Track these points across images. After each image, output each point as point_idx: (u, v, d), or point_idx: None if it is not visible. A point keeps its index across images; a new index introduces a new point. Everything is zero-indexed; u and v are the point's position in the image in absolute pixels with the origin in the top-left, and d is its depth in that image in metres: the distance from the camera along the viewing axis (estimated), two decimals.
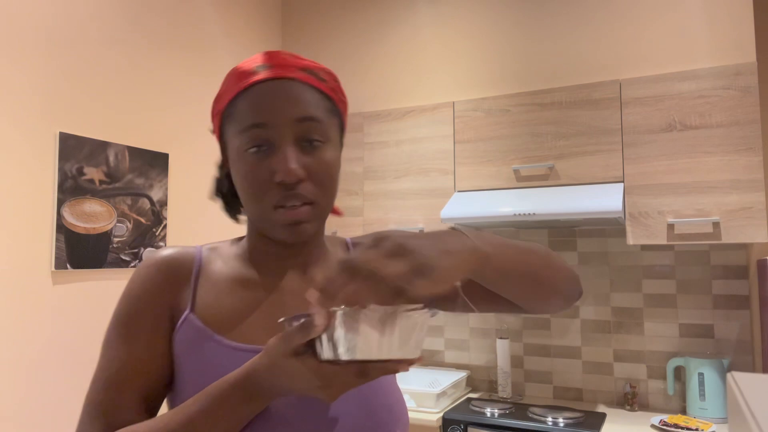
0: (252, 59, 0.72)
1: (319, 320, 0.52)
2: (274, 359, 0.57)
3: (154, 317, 0.70)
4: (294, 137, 0.69)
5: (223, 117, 0.73)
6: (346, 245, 0.87)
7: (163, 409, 1.88)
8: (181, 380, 0.69)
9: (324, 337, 0.54)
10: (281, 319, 0.60)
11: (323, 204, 0.71)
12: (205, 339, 0.68)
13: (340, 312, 0.52)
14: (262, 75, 0.70)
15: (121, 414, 0.67)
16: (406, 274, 0.51)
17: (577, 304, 2.46)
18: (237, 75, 0.71)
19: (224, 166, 0.79)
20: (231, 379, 0.60)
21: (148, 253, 0.74)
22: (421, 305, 0.55)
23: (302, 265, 0.77)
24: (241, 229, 2.69)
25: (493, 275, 0.63)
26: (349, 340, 0.52)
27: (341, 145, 0.78)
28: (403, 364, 0.54)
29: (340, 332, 0.52)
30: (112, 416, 0.66)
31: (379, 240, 0.53)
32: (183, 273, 0.73)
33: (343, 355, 0.52)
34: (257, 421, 0.64)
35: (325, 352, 0.54)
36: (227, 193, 0.81)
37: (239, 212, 0.82)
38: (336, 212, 0.83)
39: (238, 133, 0.69)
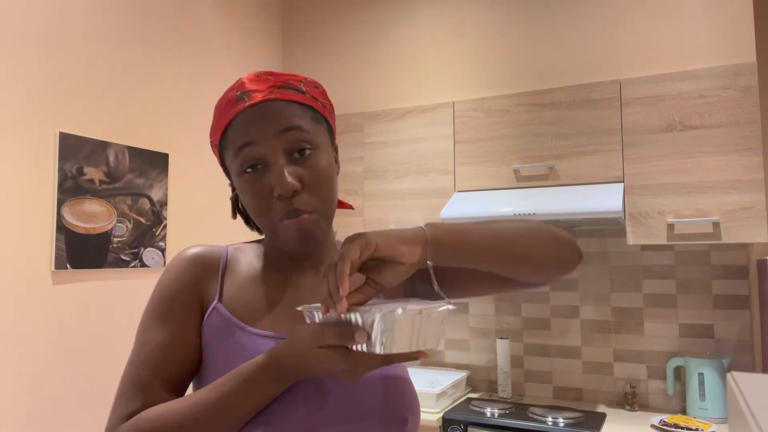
0: (234, 86, 0.79)
1: (360, 338, 0.60)
2: (303, 350, 0.65)
3: (187, 306, 0.78)
4: (282, 150, 0.74)
5: (220, 148, 0.81)
6: None
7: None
8: (209, 363, 0.76)
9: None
10: (300, 308, 0.69)
11: (324, 209, 0.76)
12: (233, 327, 0.76)
13: (378, 315, 0.59)
14: (244, 104, 0.76)
15: (155, 392, 0.73)
16: (371, 262, 0.63)
17: (577, 304, 2.46)
18: (223, 107, 0.78)
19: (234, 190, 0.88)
20: (259, 361, 0.68)
21: (178, 252, 0.85)
22: (444, 302, 0.66)
23: (315, 264, 0.85)
24: (242, 229, 2.69)
25: (456, 255, 0.70)
26: (387, 338, 0.59)
27: (333, 147, 0.83)
28: (423, 352, 0.64)
29: (377, 331, 0.59)
30: (147, 394, 0.72)
31: (350, 237, 0.64)
32: (212, 268, 0.81)
33: (379, 350, 0.60)
34: (280, 404, 0.71)
35: (361, 346, 0.62)
36: (244, 211, 0.89)
37: (255, 227, 0.91)
38: (347, 206, 0.91)
39: (233, 157, 0.76)
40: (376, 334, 0.59)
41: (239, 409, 0.67)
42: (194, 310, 0.78)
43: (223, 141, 0.79)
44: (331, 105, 0.84)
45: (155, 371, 0.74)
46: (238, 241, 2.68)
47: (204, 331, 0.77)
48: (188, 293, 0.78)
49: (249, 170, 0.75)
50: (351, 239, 0.63)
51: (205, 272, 0.80)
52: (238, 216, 0.89)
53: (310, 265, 0.85)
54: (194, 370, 0.78)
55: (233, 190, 0.87)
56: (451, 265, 0.71)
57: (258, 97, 0.75)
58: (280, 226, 0.75)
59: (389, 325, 0.59)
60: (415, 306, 0.62)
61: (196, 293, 0.79)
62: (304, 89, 0.78)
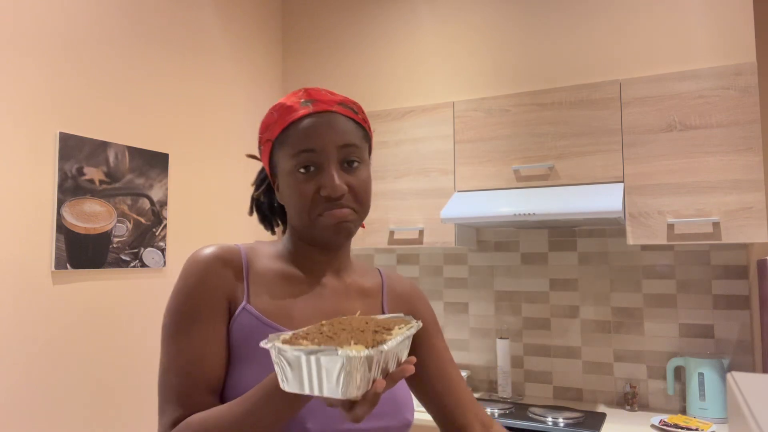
0: (294, 94, 0.87)
1: (363, 411, 0.60)
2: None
3: (216, 308, 0.79)
4: (338, 160, 0.83)
5: (274, 144, 0.87)
6: (378, 273, 0.99)
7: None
8: (242, 363, 0.78)
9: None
10: (264, 344, 0.63)
11: (361, 213, 0.86)
12: (265, 326, 0.79)
13: (343, 359, 0.56)
14: (308, 109, 0.84)
15: (197, 397, 0.75)
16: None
17: (577, 304, 2.46)
18: (285, 109, 0.85)
19: (261, 186, 0.95)
20: (272, 384, 0.68)
21: (194, 252, 0.84)
22: (412, 322, 0.70)
23: (336, 269, 0.91)
24: (241, 229, 2.69)
25: None
26: (368, 380, 0.58)
27: (370, 164, 0.93)
28: (409, 365, 0.63)
29: (363, 378, 0.58)
30: (191, 399, 0.75)
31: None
32: (236, 268, 0.83)
33: (352, 394, 0.58)
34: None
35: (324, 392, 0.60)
36: (265, 209, 0.96)
37: (276, 224, 0.97)
38: (361, 225, 0.97)
39: (290, 157, 0.83)
40: (362, 382, 0.58)
41: (270, 420, 0.68)
42: (222, 311, 0.80)
43: (281, 138, 0.85)
44: (371, 129, 0.95)
45: (195, 378, 0.76)
46: (237, 242, 2.68)
47: (233, 331, 0.80)
48: (215, 295, 0.80)
49: (302, 171, 0.82)
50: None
51: (229, 273, 0.82)
52: (249, 217, 0.95)
53: (330, 268, 0.91)
54: (227, 370, 0.79)
55: (258, 187, 0.95)
56: None
57: (323, 106, 0.84)
58: (318, 220, 0.82)
59: (372, 368, 0.58)
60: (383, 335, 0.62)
61: (224, 295, 0.81)
62: (357, 110, 0.88)
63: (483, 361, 2.62)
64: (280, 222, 0.99)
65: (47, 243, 1.85)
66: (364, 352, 0.55)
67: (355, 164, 0.85)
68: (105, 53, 2.08)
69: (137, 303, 2.15)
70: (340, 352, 0.55)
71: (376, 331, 0.62)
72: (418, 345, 0.96)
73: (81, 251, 1.94)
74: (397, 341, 0.61)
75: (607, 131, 2.15)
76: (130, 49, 2.18)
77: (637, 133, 2.11)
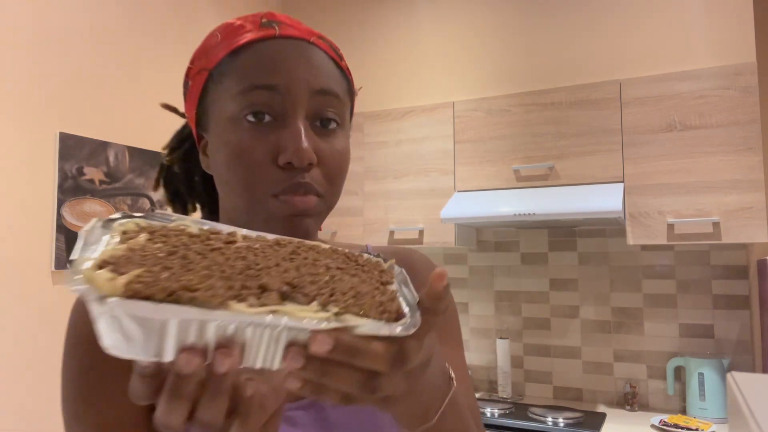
0: (251, 15, 0.58)
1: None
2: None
3: (117, 363, 0.54)
4: (308, 111, 0.55)
5: (211, 76, 0.57)
6: (366, 249, 0.70)
7: None
8: None
9: None
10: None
11: (330, 199, 0.58)
12: None
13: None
14: (273, 31, 0.56)
15: None
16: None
17: (577, 304, 2.46)
18: (234, 28, 0.57)
19: (179, 148, 0.67)
20: None
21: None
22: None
23: None
24: None
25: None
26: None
27: (350, 135, 0.66)
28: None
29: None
30: None
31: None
32: None
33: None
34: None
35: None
36: (179, 182, 0.68)
37: (193, 207, 0.70)
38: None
39: (234, 95, 0.54)
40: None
41: None
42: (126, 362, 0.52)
43: (223, 66, 0.56)
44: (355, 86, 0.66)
45: None
46: None
47: None
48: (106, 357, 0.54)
49: (252, 118, 0.54)
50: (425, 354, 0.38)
51: None
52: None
53: None
54: None
55: (174, 150, 0.67)
56: None
57: (292, 32, 0.57)
58: (268, 203, 0.54)
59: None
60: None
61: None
62: (341, 55, 0.61)
63: (483, 361, 2.62)
64: (200, 205, 0.71)
65: (47, 243, 1.85)
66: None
67: (333, 125, 0.57)
68: (105, 53, 2.08)
69: None
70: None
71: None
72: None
73: None
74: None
75: (607, 131, 2.15)
76: (130, 50, 2.18)
77: (637, 133, 2.11)
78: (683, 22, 2.17)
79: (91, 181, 1.99)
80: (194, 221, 0.41)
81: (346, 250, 0.45)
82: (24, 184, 1.79)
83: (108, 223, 0.37)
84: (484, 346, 2.62)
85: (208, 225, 0.41)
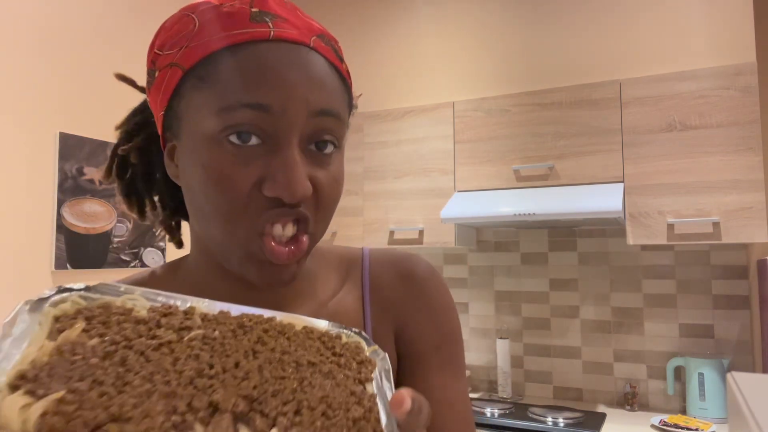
0: None
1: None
2: None
3: None
4: (303, 134, 0.47)
5: (186, 77, 0.47)
6: (359, 263, 0.62)
7: None
8: None
9: None
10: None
11: (320, 231, 0.51)
12: None
13: None
14: (267, 31, 0.46)
15: None
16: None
17: (577, 304, 2.46)
18: (216, 17, 0.46)
19: (137, 135, 0.58)
20: None
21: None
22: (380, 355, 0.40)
23: (275, 304, 0.54)
24: None
25: None
26: None
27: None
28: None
29: None
30: None
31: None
32: None
33: None
34: None
35: None
36: (137, 179, 0.60)
37: (152, 207, 0.61)
38: None
39: (215, 111, 0.45)
40: None
41: None
42: None
43: (204, 69, 0.46)
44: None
45: None
46: None
47: None
48: None
49: (236, 140, 0.45)
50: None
51: None
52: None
53: (266, 304, 0.54)
54: None
55: (129, 138, 0.58)
56: None
57: (289, 33, 0.47)
58: (254, 243, 0.46)
59: None
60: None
61: None
62: (341, 56, 0.52)
63: (483, 362, 2.62)
64: (161, 205, 0.62)
65: (47, 243, 1.85)
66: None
67: (329, 148, 0.49)
68: (105, 53, 2.08)
69: None
70: None
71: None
72: (401, 376, 0.58)
73: (81, 251, 1.94)
74: None
75: (607, 131, 2.15)
76: (130, 49, 2.18)
77: (637, 133, 2.11)
78: (683, 22, 2.17)
79: (91, 181, 1.99)
80: (145, 293, 0.35)
81: (323, 329, 0.39)
82: (24, 184, 1.79)
83: (38, 305, 0.30)
84: (484, 346, 2.62)
85: (162, 298, 0.35)
